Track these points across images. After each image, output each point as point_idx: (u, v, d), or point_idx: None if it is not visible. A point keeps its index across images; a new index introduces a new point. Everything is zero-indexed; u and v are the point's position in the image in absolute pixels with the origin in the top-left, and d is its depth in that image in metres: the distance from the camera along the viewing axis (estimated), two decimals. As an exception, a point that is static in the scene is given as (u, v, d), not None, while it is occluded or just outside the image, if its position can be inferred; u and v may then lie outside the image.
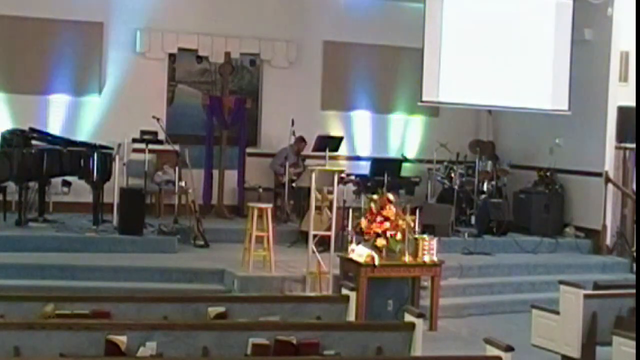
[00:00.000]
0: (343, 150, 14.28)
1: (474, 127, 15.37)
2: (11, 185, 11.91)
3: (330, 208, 10.79)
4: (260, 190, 13.16)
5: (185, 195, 12.52)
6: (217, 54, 13.92)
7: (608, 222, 13.13)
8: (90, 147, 11.87)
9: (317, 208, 10.82)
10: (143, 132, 12.32)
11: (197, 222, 11.79)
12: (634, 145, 12.77)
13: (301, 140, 13.58)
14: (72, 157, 11.68)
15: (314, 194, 10.27)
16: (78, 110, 13.51)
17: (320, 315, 6.75)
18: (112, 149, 11.99)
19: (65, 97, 13.47)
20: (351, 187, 13.32)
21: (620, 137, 13.08)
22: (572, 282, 8.22)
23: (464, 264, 11.44)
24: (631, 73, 13.15)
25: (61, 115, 13.39)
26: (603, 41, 13.08)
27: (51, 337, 5.60)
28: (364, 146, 14.92)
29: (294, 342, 5.91)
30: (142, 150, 12.31)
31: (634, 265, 12.43)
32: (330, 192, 10.90)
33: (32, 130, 12.06)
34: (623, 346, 6.71)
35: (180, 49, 13.90)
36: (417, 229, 9.97)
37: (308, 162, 13.57)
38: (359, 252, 9.60)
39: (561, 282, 8.27)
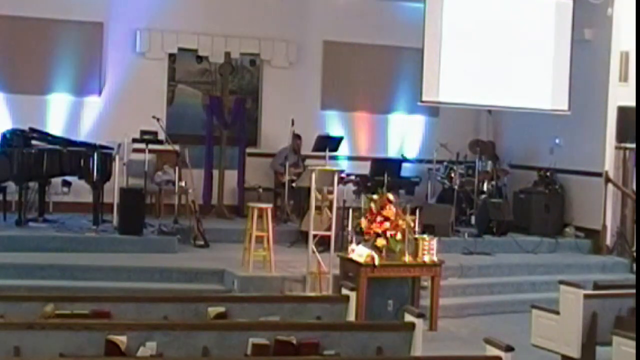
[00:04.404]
0: (343, 150, 14.28)
1: (474, 127, 15.36)
2: (11, 185, 11.92)
3: (330, 208, 10.78)
4: (260, 190, 13.15)
5: (185, 195, 12.52)
6: (217, 54, 13.92)
7: (608, 222, 13.13)
8: (90, 147, 11.87)
9: (317, 208, 10.81)
10: (143, 132, 12.32)
11: (197, 222, 11.79)
12: (634, 145, 12.76)
13: (297, 138, 13.59)
14: (72, 157, 11.68)
15: (314, 194, 10.27)
16: (78, 110, 13.52)
17: (320, 315, 6.74)
18: (112, 149, 11.98)
19: (65, 97, 13.48)
20: (351, 187, 13.32)
21: (620, 137, 13.07)
22: (572, 282, 8.21)
23: (464, 264, 11.44)
24: (631, 73, 13.13)
25: (61, 115, 13.41)
26: (603, 41, 13.07)
27: (51, 337, 5.59)
28: (364, 146, 14.92)
29: (294, 342, 5.91)
30: (142, 150, 12.30)
31: (634, 265, 12.43)
32: (330, 192, 10.89)
33: (32, 130, 12.06)
34: (623, 346, 6.70)
35: (180, 49, 13.91)
36: (417, 229, 9.95)
37: (308, 162, 13.57)
38: (359, 252, 9.59)
39: (561, 282, 8.26)
